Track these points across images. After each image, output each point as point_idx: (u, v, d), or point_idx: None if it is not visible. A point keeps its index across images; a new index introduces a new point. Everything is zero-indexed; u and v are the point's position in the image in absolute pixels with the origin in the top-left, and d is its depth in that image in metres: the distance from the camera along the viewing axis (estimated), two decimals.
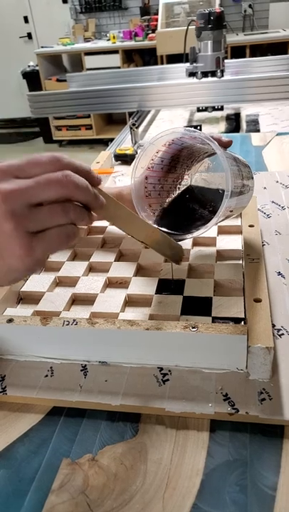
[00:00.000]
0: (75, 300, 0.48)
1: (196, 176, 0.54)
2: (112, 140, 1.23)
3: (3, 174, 0.29)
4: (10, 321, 0.41)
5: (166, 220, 0.48)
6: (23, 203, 0.28)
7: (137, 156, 0.45)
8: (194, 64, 1.20)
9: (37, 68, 3.58)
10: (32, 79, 3.63)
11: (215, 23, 1.15)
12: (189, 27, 1.36)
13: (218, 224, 0.57)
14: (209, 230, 0.56)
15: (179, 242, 0.44)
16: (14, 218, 0.28)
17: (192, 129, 0.41)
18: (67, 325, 0.39)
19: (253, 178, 0.52)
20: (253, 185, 0.52)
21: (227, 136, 0.83)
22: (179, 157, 0.49)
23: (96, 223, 0.62)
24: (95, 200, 0.31)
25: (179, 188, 0.52)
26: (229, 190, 0.40)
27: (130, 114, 1.38)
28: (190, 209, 0.51)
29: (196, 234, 0.44)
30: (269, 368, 0.37)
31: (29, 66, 3.72)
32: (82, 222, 0.31)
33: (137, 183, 0.45)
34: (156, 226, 0.46)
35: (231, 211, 0.49)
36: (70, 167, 0.30)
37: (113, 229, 0.60)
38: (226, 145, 0.46)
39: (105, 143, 3.30)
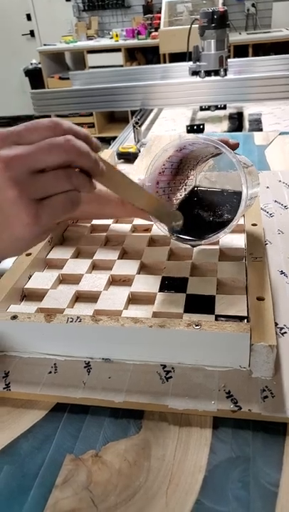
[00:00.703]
0: (79, 297, 0.48)
1: (201, 176, 0.54)
2: (114, 138, 1.23)
3: (2, 141, 0.28)
4: (14, 317, 0.41)
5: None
6: (26, 169, 0.28)
7: (150, 163, 0.45)
8: (197, 63, 1.20)
9: (39, 66, 3.58)
10: (34, 76, 3.62)
11: (218, 22, 1.15)
12: (192, 26, 1.36)
13: None
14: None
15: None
16: (18, 185, 0.27)
17: (207, 136, 0.42)
18: (71, 322, 0.40)
19: (257, 177, 0.52)
20: (258, 183, 0.52)
21: (231, 136, 0.83)
22: (186, 159, 0.50)
23: (99, 221, 0.62)
24: (96, 166, 0.30)
25: (185, 188, 0.52)
26: (242, 207, 0.42)
27: (132, 112, 1.38)
28: (198, 213, 0.51)
29: (212, 238, 0.45)
30: (272, 366, 0.37)
31: (32, 64, 3.71)
32: (84, 189, 0.30)
33: (149, 189, 0.46)
34: (171, 233, 0.47)
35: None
36: (70, 132, 0.29)
37: (116, 227, 0.60)
38: (233, 147, 0.46)
39: (107, 141, 3.29)
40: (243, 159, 0.48)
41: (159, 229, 0.47)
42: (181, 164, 0.50)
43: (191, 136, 0.43)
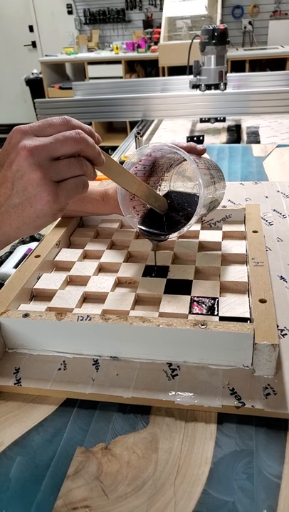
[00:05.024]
0: (86, 298, 0.50)
1: (175, 177, 0.57)
2: (112, 148, 1.26)
3: (24, 134, 0.33)
4: (26, 315, 0.42)
5: (149, 221, 0.52)
6: (46, 156, 0.33)
7: (123, 165, 0.49)
8: (198, 77, 1.24)
9: (40, 76, 3.63)
10: (35, 86, 3.68)
11: (219, 38, 1.19)
12: (193, 41, 1.41)
13: (224, 230, 0.59)
14: (215, 235, 0.58)
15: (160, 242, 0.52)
16: (40, 169, 0.33)
17: (170, 144, 0.47)
18: (81, 320, 0.41)
19: (224, 179, 0.57)
20: (224, 186, 0.57)
21: (230, 147, 0.86)
22: (159, 162, 0.53)
23: (105, 225, 0.64)
24: (99, 157, 0.36)
25: (159, 189, 0.56)
26: (200, 207, 0.45)
27: (131, 122, 1.41)
28: (171, 214, 0.54)
29: (173, 235, 0.49)
30: (274, 364, 0.39)
31: (33, 73, 3.77)
32: (90, 176, 0.36)
33: (122, 189, 0.49)
34: (140, 227, 0.51)
35: (206, 215, 0.59)
36: (79, 127, 0.35)
37: (121, 233, 0.62)
38: (200, 153, 0.52)
39: (106, 150, 3.33)
40: (208, 162, 0.53)
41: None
42: (154, 167, 0.53)
43: (158, 143, 0.47)
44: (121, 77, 3.35)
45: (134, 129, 1.24)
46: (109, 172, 0.40)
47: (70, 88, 1.52)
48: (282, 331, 0.45)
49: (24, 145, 0.33)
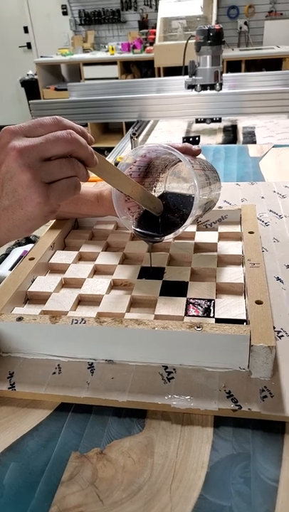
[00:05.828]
0: (81, 301, 0.49)
1: (170, 178, 0.57)
2: (108, 149, 1.25)
3: (14, 134, 0.33)
4: (20, 319, 0.42)
5: (144, 223, 0.51)
6: (36, 157, 0.32)
7: (117, 166, 0.48)
8: (193, 77, 1.24)
9: (36, 77, 3.62)
10: (30, 87, 3.67)
11: (214, 38, 1.19)
12: (189, 41, 1.41)
13: (219, 231, 0.59)
14: (211, 237, 0.58)
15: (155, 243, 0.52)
16: (30, 170, 0.32)
17: (165, 145, 0.46)
18: (76, 323, 0.41)
19: (219, 180, 0.57)
20: (219, 187, 0.57)
21: (226, 148, 0.86)
22: (155, 163, 0.53)
23: (100, 227, 0.63)
24: (91, 157, 0.36)
25: (154, 190, 0.55)
26: (195, 208, 0.45)
27: (127, 123, 1.41)
28: (166, 215, 0.53)
29: (168, 237, 0.49)
30: (270, 366, 0.38)
31: (28, 75, 3.76)
32: (82, 177, 0.35)
33: (117, 191, 0.49)
34: (135, 228, 0.50)
35: (201, 216, 0.59)
36: (70, 127, 0.34)
37: (116, 234, 0.62)
38: (195, 154, 0.51)
39: (102, 151, 3.33)
40: (203, 163, 0.52)
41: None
42: (149, 168, 0.53)
43: (153, 144, 0.47)
44: (116, 78, 3.34)
45: (130, 130, 1.24)
46: (102, 173, 0.39)
47: (66, 89, 1.51)
48: (278, 332, 0.44)
49: (14, 146, 0.32)
